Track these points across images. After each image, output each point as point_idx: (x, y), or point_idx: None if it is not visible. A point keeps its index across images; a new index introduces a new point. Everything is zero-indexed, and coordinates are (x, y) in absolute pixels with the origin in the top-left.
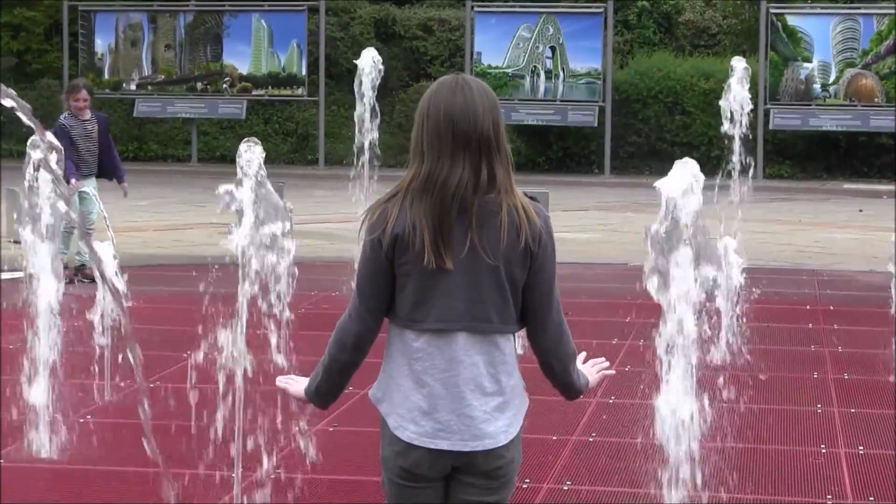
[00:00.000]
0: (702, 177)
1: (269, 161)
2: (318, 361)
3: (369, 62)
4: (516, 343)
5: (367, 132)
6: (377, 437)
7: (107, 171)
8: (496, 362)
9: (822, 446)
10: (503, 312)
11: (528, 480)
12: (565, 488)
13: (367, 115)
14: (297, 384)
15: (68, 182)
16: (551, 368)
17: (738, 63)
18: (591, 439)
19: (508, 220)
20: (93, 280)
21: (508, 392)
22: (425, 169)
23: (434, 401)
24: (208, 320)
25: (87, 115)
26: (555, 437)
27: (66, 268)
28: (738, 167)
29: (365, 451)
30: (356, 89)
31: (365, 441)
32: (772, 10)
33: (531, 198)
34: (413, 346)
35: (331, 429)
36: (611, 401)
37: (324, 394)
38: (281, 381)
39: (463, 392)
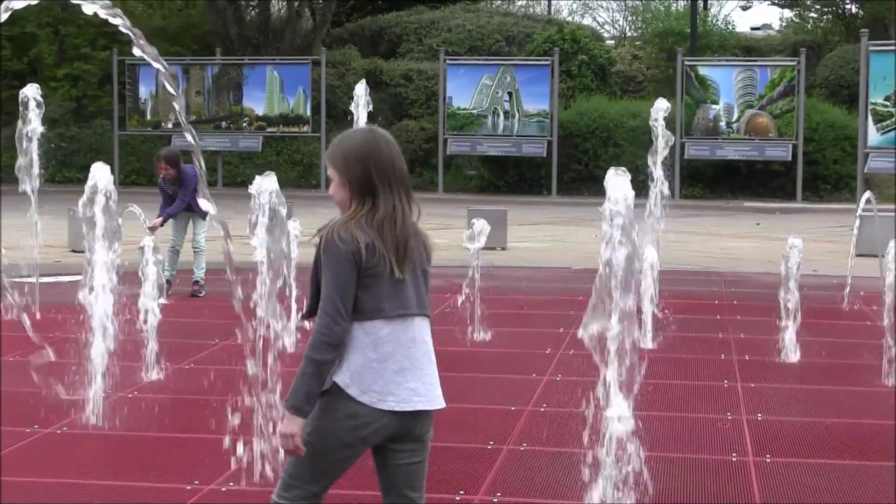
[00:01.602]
0: (632, 191)
1: (280, 185)
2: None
3: (363, 89)
4: None
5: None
6: None
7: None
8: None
9: (728, 414)
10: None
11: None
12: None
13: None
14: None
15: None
16: None
17: (661, 103)
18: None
19: (423, 239)
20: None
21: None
22: (382, 203)
23: (405, 373)
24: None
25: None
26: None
27: (168, 283)
28: (659, 188)
29: None
30: (354, 109)
31: None
32: (686, 63)
33: None
34: (382, 333)
35: None
36: (558, 378)
37: (315, 396)
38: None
39: (423, 363)
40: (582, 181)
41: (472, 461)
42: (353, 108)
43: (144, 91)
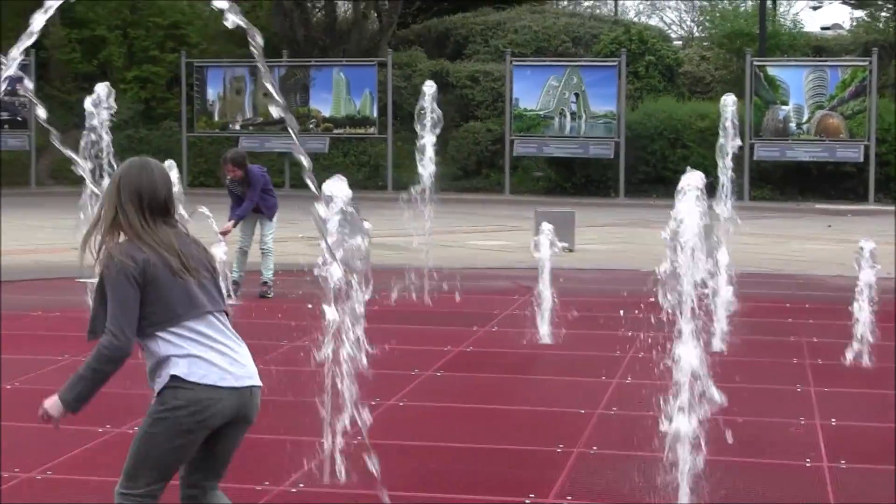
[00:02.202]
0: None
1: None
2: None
3: (431, 89)
4: None
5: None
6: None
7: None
8: None
9: (801, 419)
10: None
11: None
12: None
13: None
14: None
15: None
16: None
17: (728, 98)
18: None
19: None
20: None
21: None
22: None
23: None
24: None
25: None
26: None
27: (236, 284)
28: (729, 190)
29: (431, 422)
30: (416, 115)
31: (432, 414)
32: (755, 63)
33: None
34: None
35: (401, 404)
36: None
37: (86, 398)
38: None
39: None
40: (650, 183)
41: (542, 464)
42: (420, 105)
43: (212, 93)
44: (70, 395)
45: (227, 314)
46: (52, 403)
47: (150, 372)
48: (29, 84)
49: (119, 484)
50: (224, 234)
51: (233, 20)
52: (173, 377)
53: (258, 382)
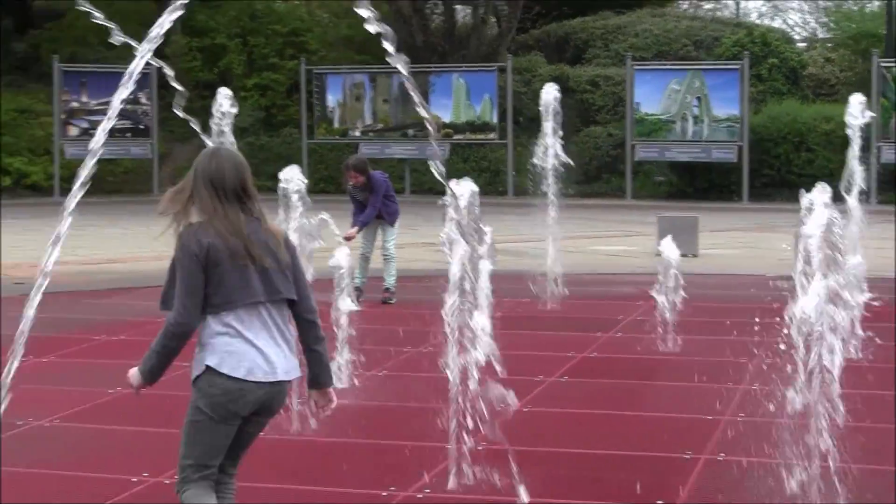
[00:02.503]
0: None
1: None
2: None
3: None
4: None
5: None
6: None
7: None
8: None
9: None
10: None
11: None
12: None
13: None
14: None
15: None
16: None
17: (856, 97)
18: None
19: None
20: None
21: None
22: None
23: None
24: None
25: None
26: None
27: (359, 290)
28: (857, 194)
29: (556, 428)
30: (542, 112)
31: (556, 420)
32: (881, 64)
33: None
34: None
35: (525, 409)
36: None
37: (159, 371)
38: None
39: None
40: (774, 187)
41: (668, 471)
42: (541, 107)
43: (332, 99)
44: (145, 368)
45: (290, 302)
46: (132, 373)
47: (196, 351)
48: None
49: (178, 477)
50: (348, 239)
51: (374, 28)
52: (207, 367)
53: (287, 377)
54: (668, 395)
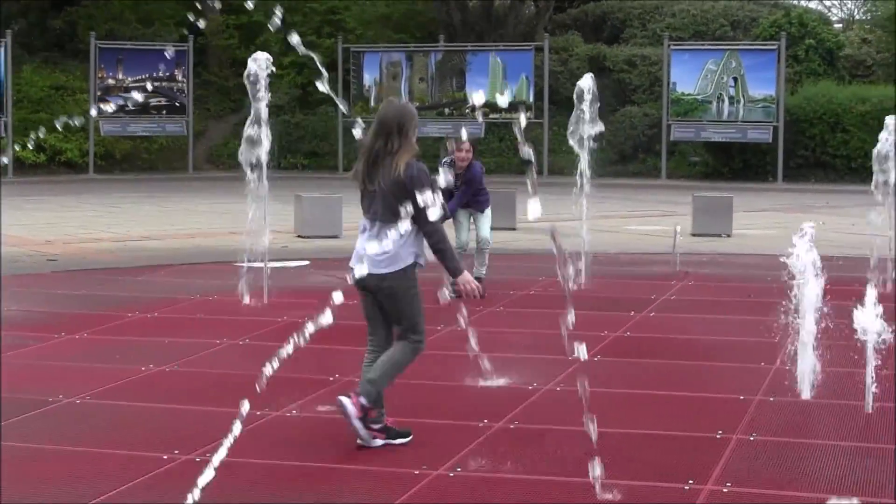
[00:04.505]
0: None
1: (503, 171)
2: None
3: (588, 84)
4: None
5: (587, 143)
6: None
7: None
8: None
9: None
10: None
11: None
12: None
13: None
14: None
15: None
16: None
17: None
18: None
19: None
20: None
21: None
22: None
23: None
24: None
25: (465, 166)
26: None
27: (478, 280)
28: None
29: (589, 407)
30: (576, 106)
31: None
32: None
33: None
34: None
35: (558, 389)
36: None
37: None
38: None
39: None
40: (809, 167)
41: (700, 450)
42: (576, 101)
43: (368, 78)
44: (456, 264)
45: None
46: (466, 279)
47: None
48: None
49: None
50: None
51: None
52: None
53: (373, 271)
54: (701, 375)
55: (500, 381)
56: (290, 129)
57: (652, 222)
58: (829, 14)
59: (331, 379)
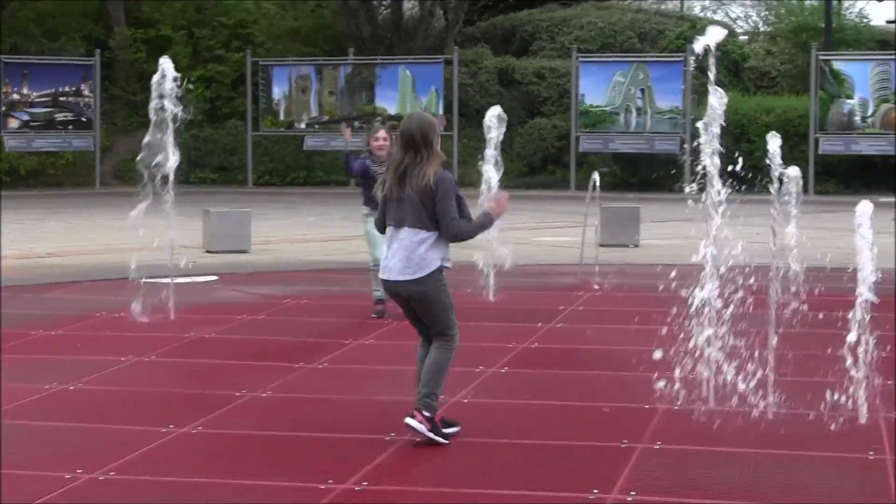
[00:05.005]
0: None
1: None
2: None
3: (495, 114)
4: None
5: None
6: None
7: None
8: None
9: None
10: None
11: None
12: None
13: (492, 150)
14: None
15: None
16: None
17: None
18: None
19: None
20: (382, 315)
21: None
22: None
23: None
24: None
25: (383, 157)
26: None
27: (379, 302)
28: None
29: (496, 418)
30: (486, 133)
31: (497, 411)
32: (820, 57)
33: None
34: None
35: (465, 401)
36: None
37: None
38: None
39: None
40: (715, 177)
41: (605, 460)
42: (484, 129)
43: (278, 92)
44: (486, 219)
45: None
46: (495, 203)
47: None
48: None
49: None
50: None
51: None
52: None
53: (401, 278)
54: (608, 385)
55: (407, 395)
56: (198, 143)
57: (561, 233)
58: (735, 26)
59: (237, 395)
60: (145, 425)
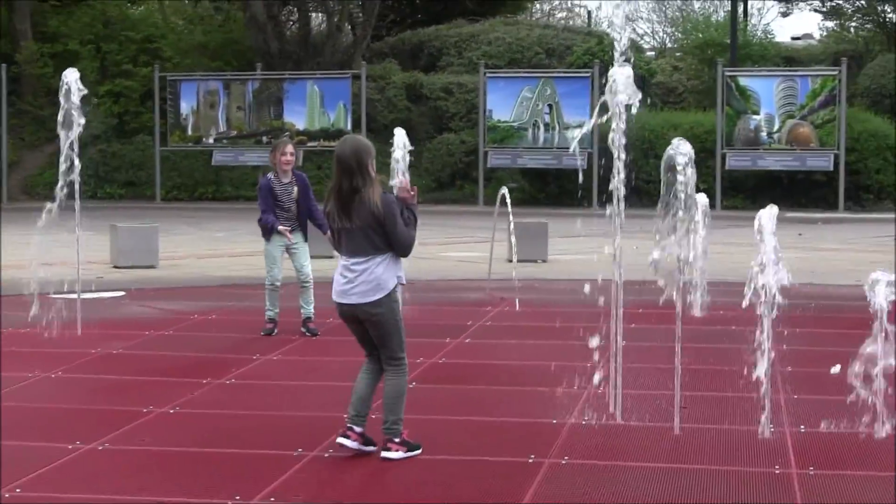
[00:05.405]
0: None
1: (320, 198)
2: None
3: (402, 140)
4: None
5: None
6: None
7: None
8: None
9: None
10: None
11: None
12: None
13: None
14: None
15: (272, 230)
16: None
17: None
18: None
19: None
20: (316, 334)
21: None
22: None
23: None
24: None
25: (288, 176)
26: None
27: (271, 322)
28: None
29: (404, 434)
30: (393, 155)
31: (405, 425)
32: (726, 73)
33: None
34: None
35: (373, 416)
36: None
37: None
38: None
39: None
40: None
41: (513, 475)
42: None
43: (186, 107)
44: (411, 213)
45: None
46: (403, 190)
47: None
48: None
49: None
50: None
51: None
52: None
53: (361, 301)
54: (515, 400)
55: (316, 411)
56: (106, 158)
57: (469, 248)
58: (642, 42)
59: (144, 411)
60: (52, 442)
